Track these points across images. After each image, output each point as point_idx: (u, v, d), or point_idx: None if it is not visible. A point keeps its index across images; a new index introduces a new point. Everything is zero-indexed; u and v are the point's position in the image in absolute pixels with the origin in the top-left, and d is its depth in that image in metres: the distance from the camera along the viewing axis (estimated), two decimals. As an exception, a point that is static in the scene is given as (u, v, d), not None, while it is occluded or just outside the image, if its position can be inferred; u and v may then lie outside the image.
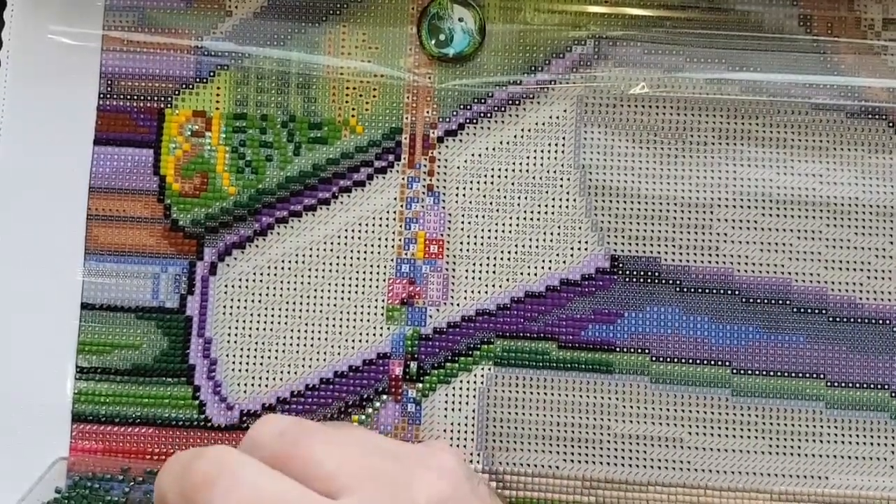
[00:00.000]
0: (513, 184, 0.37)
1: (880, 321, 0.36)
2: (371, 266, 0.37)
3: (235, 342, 0.37)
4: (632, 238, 0.36)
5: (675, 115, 0.37)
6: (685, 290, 0.36)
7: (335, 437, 0.29)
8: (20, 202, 0.37)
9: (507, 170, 0.37)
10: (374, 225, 0.37)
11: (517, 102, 0.37)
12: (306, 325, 0.37)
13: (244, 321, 0.37)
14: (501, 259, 0.37)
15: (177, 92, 0.37)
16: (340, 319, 0.37)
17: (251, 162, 0.37)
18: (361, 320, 0.37)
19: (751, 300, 0.36)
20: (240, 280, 0.37)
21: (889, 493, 0.35)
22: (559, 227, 0.37)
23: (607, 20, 0.37)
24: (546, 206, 0.37)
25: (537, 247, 0.37)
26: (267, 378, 0.37)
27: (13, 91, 0.37)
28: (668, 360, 0.36)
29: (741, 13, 0.37)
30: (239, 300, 0.37)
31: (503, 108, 0.37)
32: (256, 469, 0.27)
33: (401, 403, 0.36)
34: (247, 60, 0.37)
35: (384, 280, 0.37)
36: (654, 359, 0.36)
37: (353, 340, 0.37)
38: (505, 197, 0.37)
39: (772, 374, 0.36)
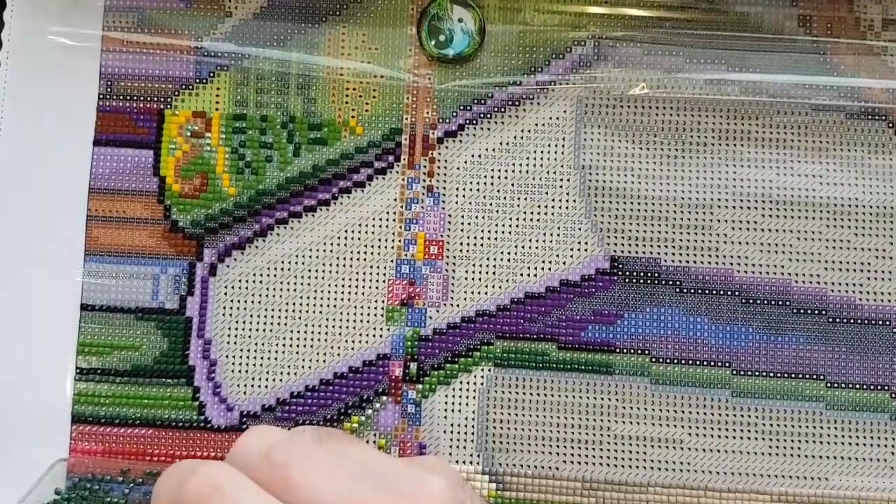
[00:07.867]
0: (513, 185, 0.37)
1: (880, 322, 0.36)
2: (371, 267, 0.37)
3: (235, 343, 0.37)
4: (631, 239, 0.36)
5: (675, 115, 0.37)
6: (685, 290, 0.36)
7: (321, 459, 0.28)
8: (20, 203, 0.37)
9: (506, 171, 0.37)
10: (373, 226, 0.37)
11: (517, 103, 0.37)
12: (306, 326, 0.37)
13: (244, 322, 0.37)
14: (501, 260, 0.37)
15: (176, 93, 0.37)
16: (340, 320, 0.37)
17: (251, 163, 0.37)
18: (361, 321, 0.37)
19: (750, 301, 0.36)
20: (239, 281, 0.37)
21: (889, 495, 0.35)
22: (559, 228, 0.37)
23: (607, 21, 0.37)
24: (546, 206, 0.37)
25: (537, 248, 0.37)
26: (267, 379, 0.37)
27: (13, 92, 0.37)
28: (668, 361, 0.36)
29: (741, 14, 0.37)
30: (239, 301, 0.37)
31: (503, 109, 0.37)
32: (251, 492, 0.27)
33: (400, 404, 0.36)
34: (246, 61, 0.37)
35: (384, 281, 0.37)
36: (653, 360, 0.36)
37: (353, 341, 0.37)
38: (505, 198, 0.37)
39: (772, 375, 0.36)
